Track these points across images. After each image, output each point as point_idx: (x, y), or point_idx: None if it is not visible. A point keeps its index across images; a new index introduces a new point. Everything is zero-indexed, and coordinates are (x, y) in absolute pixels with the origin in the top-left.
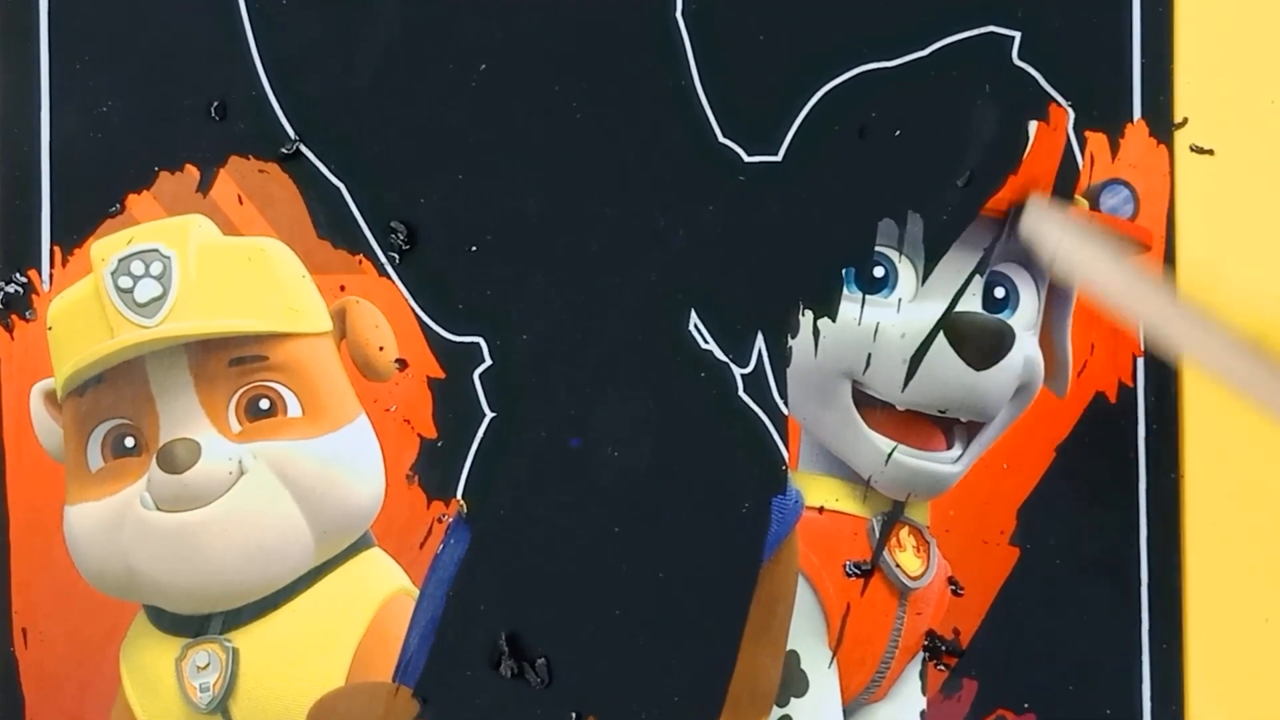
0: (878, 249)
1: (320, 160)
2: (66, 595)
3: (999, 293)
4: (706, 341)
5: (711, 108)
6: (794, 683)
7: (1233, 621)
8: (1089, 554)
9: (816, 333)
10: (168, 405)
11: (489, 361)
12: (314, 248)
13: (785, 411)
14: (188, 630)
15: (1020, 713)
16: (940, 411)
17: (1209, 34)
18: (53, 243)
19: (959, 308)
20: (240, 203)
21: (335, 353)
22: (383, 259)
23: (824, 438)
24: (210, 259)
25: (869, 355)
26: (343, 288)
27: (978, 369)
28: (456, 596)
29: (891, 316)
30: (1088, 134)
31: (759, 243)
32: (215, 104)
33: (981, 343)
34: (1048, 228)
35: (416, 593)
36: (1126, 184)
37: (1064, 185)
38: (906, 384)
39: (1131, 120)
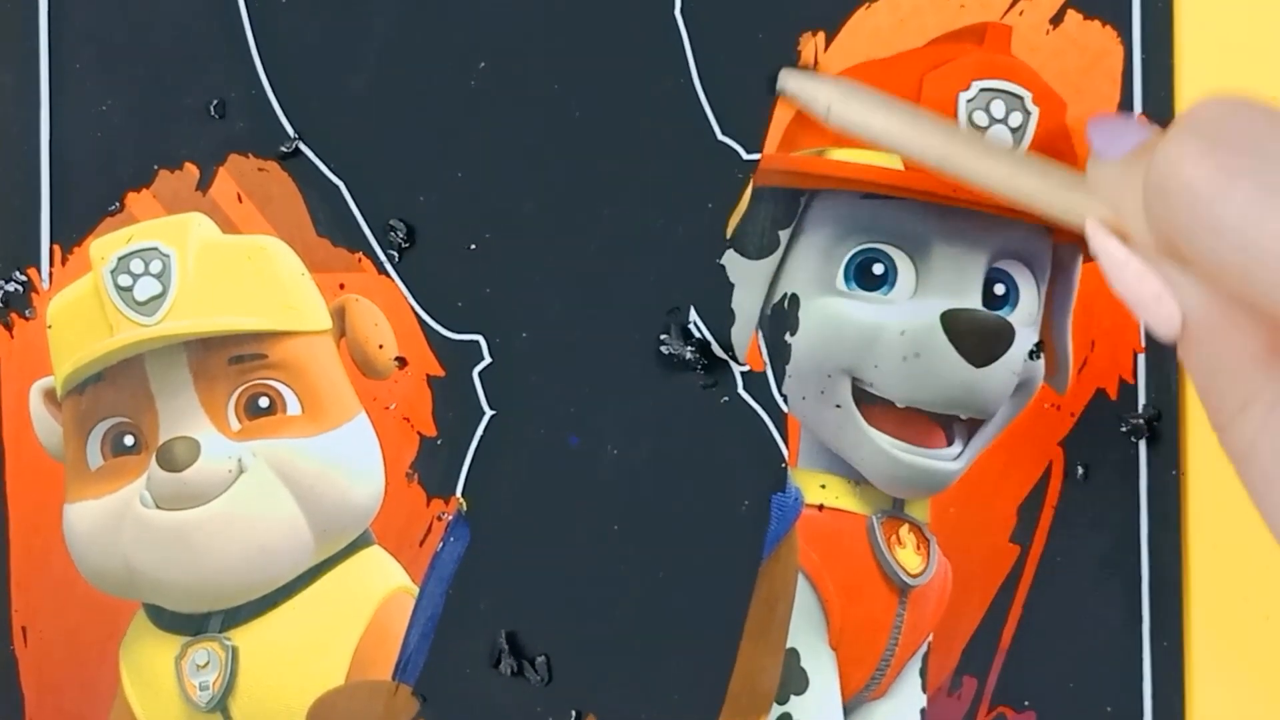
0: (877, 246)
1: (320, 158)
2: (66, 594)
3: (999, 289)
4: (706, 339)
5: (710, 106)
6: (794, 680)
7: (1233, 619)
8: (1089, 552)
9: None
10: (167, 403)
11: (488, 359)
12: (313, 246)
13: (785, 409)
14: (187, 629)
15: (1020, 710)
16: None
17: (1210, 29)
18: (52, 241)
19: (958, 305)
20: (240, 201)
21: (335, 351)
22: (382, 257)
23: (823, 435)
24: (210, 257)
25: (868, 352)
26: (342, 286)
27: (977, 366)
28: (456, 594)
29: (891, 313)
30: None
31: None
32: (215, 102)
33: (981, 339)
34: (811, 86)
35: (416, 591)
36: None
37: None
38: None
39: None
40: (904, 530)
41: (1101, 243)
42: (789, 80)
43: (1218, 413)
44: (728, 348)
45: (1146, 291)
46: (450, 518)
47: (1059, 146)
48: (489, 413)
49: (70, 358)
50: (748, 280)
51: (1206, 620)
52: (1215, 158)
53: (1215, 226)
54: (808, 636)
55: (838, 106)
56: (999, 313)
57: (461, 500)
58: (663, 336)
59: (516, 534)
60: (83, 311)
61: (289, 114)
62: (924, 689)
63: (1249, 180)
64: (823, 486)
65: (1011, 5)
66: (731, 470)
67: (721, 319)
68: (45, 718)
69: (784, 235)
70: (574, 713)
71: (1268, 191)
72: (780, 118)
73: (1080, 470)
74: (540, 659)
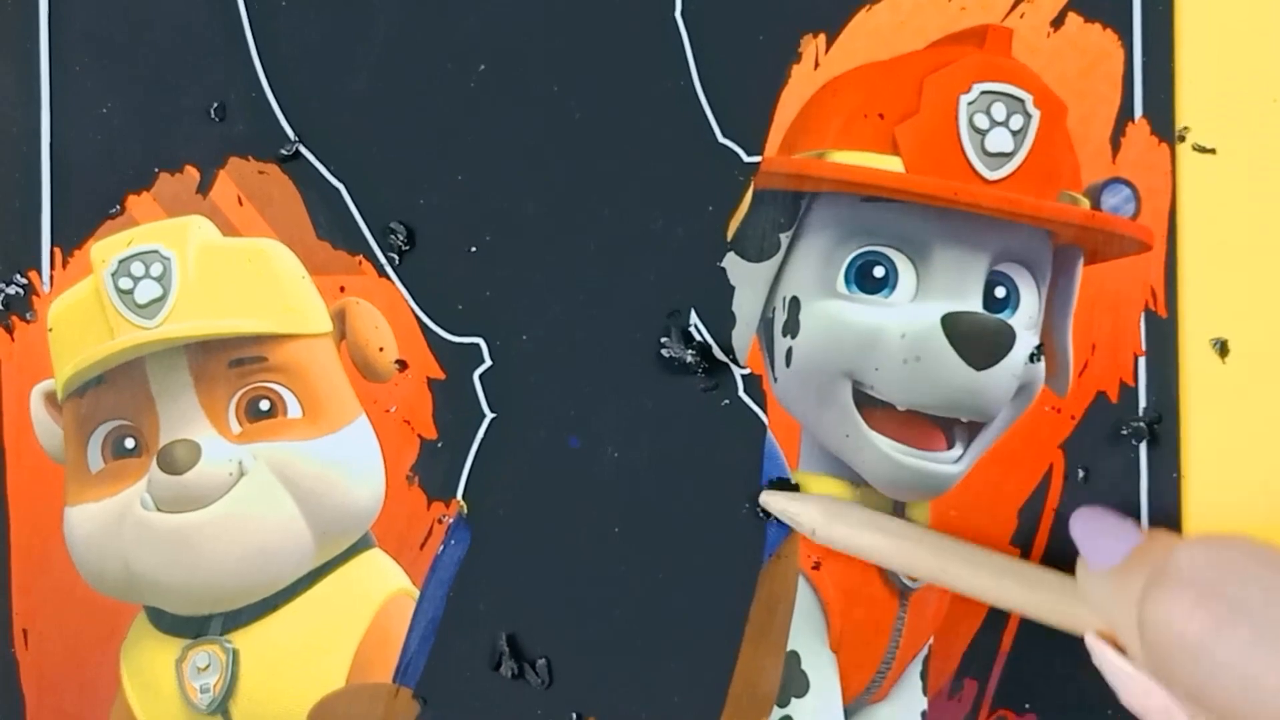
0: (878, 249)
1: (320, 161)
2: (67, 596)
3: (1000, 292)
4: (706, 342)
5: (711, 107)
6: (794, 683)
7: None
8: None
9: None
10: (168, 406)
11: (489, 362)
12: (314, 248)
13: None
14: (188, 631)
15: (1021, 713)
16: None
17: (1210, 31)
18: (53, 244)
19: (958, 308)
20: (240, 204)
21: (335, 354)
22: (382, 260)
23: (824, 438)
24: (210, 260)
25: (869, 355)
26: (342, 288)
27: (978, 369)
28: (457, 597)
29: (892, 316)
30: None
31: None
32: (215, 105)
33: (982, 342)
34: (794, 507)
35: (417, 593)
36: (1128, 183)
37: None
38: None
39: (1133, 119)
40: None
41: (1103, 656)
42: (771, 502)
43: None
44: (728, 350)
45: (1154, 705)
46: (451, 520)
47: (1059, 150)
48: (489, 415)
49: (71, 360)
50: (748, 283)
51: None
52: (1207, 609)
53: (1216, 673)
54: (808, 639)
55: (822, 530)
56: (1000, 316)
57: (462, 503)
58: (663, 339)
59: (517, 536)
60: (83, 314)
61: (289, 116)
62: (925, 692)
63: (1243, 629)
64: (824, 489)
65: (1012, 8)
66: (732, 473)
67: (722, 322)
68: (45, 719)
69: (784, 238)
70: (574, 715)
71: (1264, 640)
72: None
73: (1081, 473)
74: (541, 661)
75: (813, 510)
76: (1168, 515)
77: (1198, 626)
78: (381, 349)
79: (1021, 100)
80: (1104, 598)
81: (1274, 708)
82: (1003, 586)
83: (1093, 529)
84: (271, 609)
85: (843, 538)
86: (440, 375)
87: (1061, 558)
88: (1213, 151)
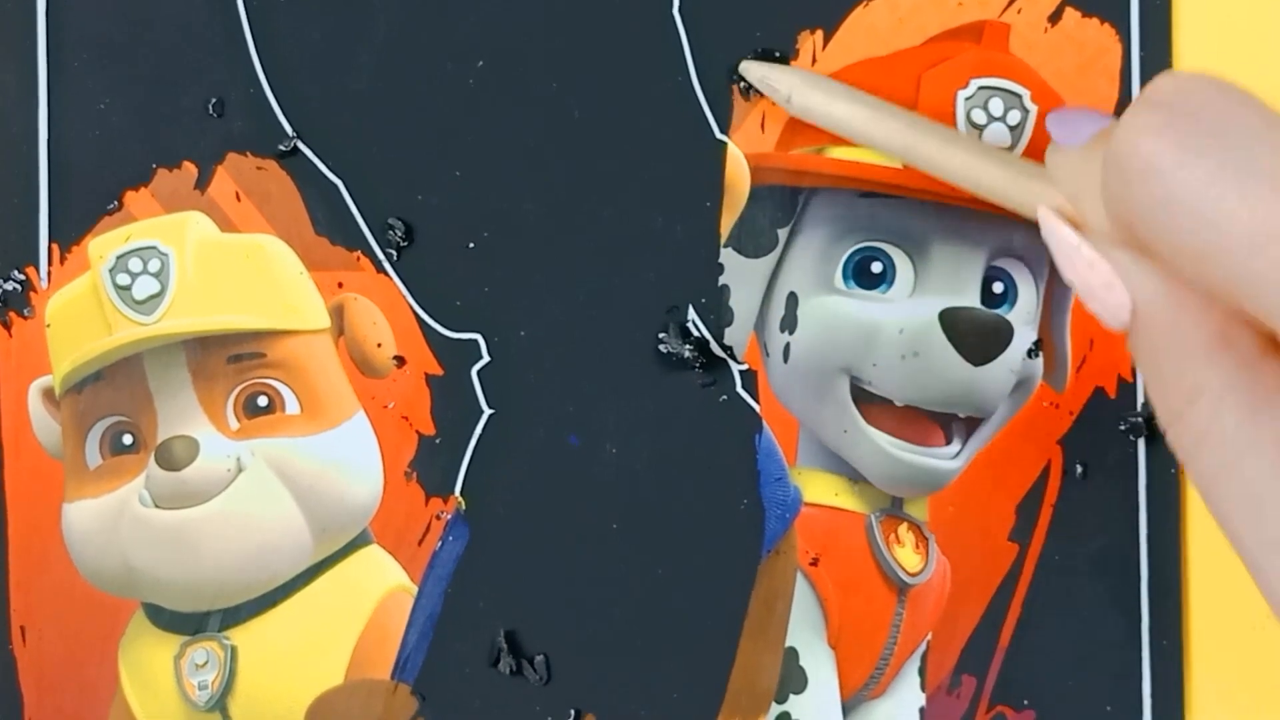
0: (876, 244)
1: (318, 157)
2: (65, 593)
3: (997, 288)
4: (704, 338)
5: (709, 105)
6: (793, 679)
7: (1233, 618)
8: (1088, 550)
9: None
10: (166, 402)
11: (487, 358)
12: (312, 245)
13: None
14: (186, 628)
15: (1019, 709)
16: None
17: (1208, 26)
18: (50, 240)
19: (956, 304)
20: (238, 200)
21: (333, 350)
22: (381, 256)
23: (822, 433)
24: (208, 256)
25: (867, 351)
26: (341, 285)
27: (975, 364)
28: (455, 593)
29: (890, 312)
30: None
31: None
32: (213, 101)
33: (980, 338)
34: (773, 75)
35: (415, 589)
36: None
37: None
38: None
39: None
40: (903, 529)
41: (1053, 228)
42: (751, 69)
43: (1165, 406)
44: (726, 346)
45: (1097, 279)
46: (449, 516)
47: None
48: (488, 411)
49: (69, 357)
50: (746, 279)
51: (1205, 618)
52: (1175, 133)
53: (1172, 202)
54: (806, 635)
55: (799, 95)
56: (997, 311)
57: (460, 499)
58: (661, 335)
59: (515, 533)
60: (81, 310)
61: (287, 113)
62: (923, 688)
63: (1209, 157)
64: (822, 485)
65: (1010, 3)
66: (731, 469)
67: (720, 318)
68: (44, 718)
69: (782, 234)
70: (573, 712)
71: (1228, 170)
72: (772, 113)
73: (1079, 468)
74: (539, 658)
75: (792, 77)
76: (1167, 512)
77: (1165, 147)
78: (380, 345)
79: (1019, 95)
80: (1069, 169)
81: (1219, 248)
82: (968, 163)
83: (1065, 114)
84: (270, 605)
85: (817, 105)
86: (438, 371)
87: (1061, 553)
88: None
